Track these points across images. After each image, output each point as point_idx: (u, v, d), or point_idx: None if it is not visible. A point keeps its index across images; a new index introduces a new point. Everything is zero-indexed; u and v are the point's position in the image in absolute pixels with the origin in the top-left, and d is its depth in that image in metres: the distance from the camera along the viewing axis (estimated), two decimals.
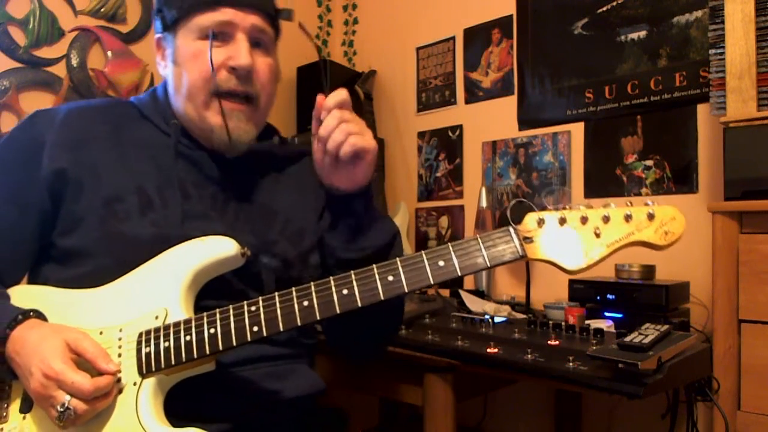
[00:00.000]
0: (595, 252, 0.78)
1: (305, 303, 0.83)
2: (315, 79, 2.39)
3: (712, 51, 1.44)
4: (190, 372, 0.86)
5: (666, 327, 1.21)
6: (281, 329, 0.83)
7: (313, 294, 0.83)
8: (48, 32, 1.89)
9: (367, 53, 2.67)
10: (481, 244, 0.81)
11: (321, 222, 1.04)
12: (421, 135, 2.45)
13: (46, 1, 1.89)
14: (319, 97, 0.92)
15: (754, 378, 1.30)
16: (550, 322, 1.43)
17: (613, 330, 1.39)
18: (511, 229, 0.81)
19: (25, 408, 0.87)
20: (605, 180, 1.90)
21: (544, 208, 0.82)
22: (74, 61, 1.95)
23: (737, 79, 1.37)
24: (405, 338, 1.37)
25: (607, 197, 1.88)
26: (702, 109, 1.71)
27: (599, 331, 1.33)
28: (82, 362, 0.82)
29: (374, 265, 0.83)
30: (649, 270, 1.59)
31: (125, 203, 0.95)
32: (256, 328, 0.83)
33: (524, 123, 2.11)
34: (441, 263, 0.81)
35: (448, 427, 1.31)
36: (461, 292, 1.82)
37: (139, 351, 0.85)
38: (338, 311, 0.82)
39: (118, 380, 0.84)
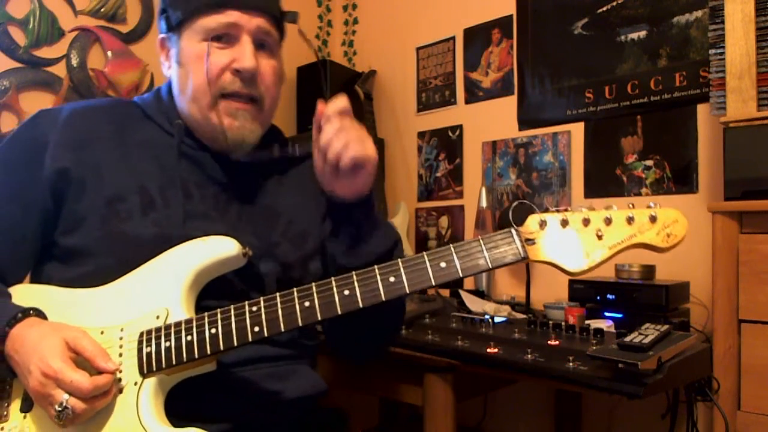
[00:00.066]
0: (597, 254, 0.78)
1: (306, 303, 0.83)
2: (315, 79, 2.39)
3: (712, 51, 1.44)
4: (192, 372, 0.86)
5: (666, 327, 1.21)
6: (282, 330, 0.83)
7: (315, 294, 0.83)
8: (48, 32, 1.89)
9: (367, 53, 2.67)
10: (482, 245, 0.81)
11: (324, 225, 1.04)
12: (421, 135, 2.45)
13: (46, 1, 1.89)
14: (320, 104, 0.91)
15: (754, 378, 1.30)
16: (550, 322, 1.43)
17: (613, 330, 1.39)
18: (513, 231, 0.81)
19: (26, 407, 0.87)
20: (605, 180, 1.90)
21: (546, 210, 0.82)
22: (74, 61, 1.95)
23: (737, 79, 1.37)
24: (405, 338, 1.37)
25: (607, 197, 1.89)
26: (702, 109, 1.71)
27: (599, 331, 1.33)
28: (81, 361, 0.82)
29: (375, 266, 0.83)
30: (649, 270, 1.59)
31: (127, 203, 0.95)
32: (257, 329, 0.83)
33: (524, 123, 2.11)
34: (443, 264, 0.81)
35: (448, 427, 1.31)
36: (461, 292, 1.82)
37: (140, 351, 0.85)
38: (339, 312, 0.82)
39: (119, 380, 0.84)
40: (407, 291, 0.81)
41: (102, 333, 0.87)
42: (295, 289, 0.84)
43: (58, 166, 0.95)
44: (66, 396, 0.78)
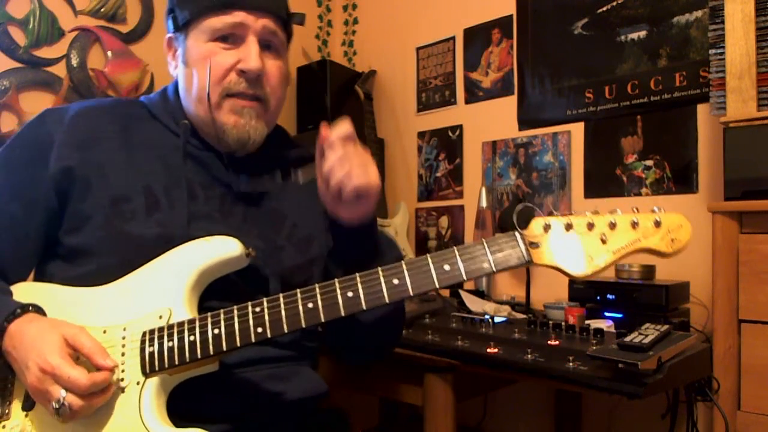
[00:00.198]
0: (601, 258, 0.78)
1: (310, 305, 0.82)
2: (315, 79, 2.39)
3: (712, 51, 1.44)
4: (194, 372, 0.86)
5: (666, 327, 1.21)
6: (285, 331, 0.82)
7: (318, 296, 0.83)
8: (48, 32, 1.89)
9: (367, 53, 2.67)
10: (486, 248, 0.81)
11: (328, 234, 1.04)
12: (421, 135, 2.45)
13: (46, 1, 1.89)
14: (323, 129, 0.90)
15: (754, 378, 1.30)
16: (550, 322, 1.43)
17: (613, 330, 1.39)
18: (517, 234, 0.81)
19: (28, 406, 0.87)
20: (605, 180, 1.90)
21: (550, 214, 0.81)
22: (74, 61, 1.95)
23: (737, 79, 1.37)
24: (405, 338, 1.37)
25: (607, 197, 1.89)
26: (702, 109, 1.71)
27: (599, 331, 1.33)
28: (83, 361, 0.82)
29: (379, 268, 0.83)
30: (649, 270, 1.59)
31: (132, 203, 0.95)
32: (260, 330, 0.83)
33: (524, 123, 2.11)
34: (446, 267, 0.81)
35: (448, 427, 1.31)
36: (461, 292, 1.82)
37: (142, 350, 0.85)
38: (343, 314, 0.82)
39: (121, 379, 0.84)
40: (411, 293, 0.81)
41: (104, 332, 0.87)
42: (298, 290, 0.84)
43: (63, 165, 0.95)
44: (63, 393, 0.78)
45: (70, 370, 0.78)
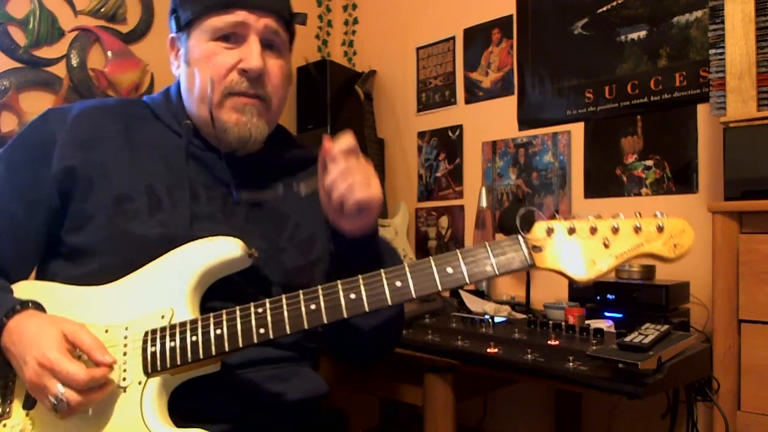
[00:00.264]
0: (604, 263, 0.78)
1: (312, 306, 0.82)
2: (314, 79, 2.39)
3: (712, 51, 1.44)
4: (195, 372, 0.86)
5: (666, 327, 1.21)
6: (288, 332, 0.82)
7: (321, 297, 0.83)
8: (48, 32, 1.89)
9: (367, 53, 2.67)
10: (489, 251, 0.81)
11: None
12: (421, 135, 2.45)
13: (46, 1, 1.89)
14: (325, 141, 0.90)
15: (754, 378, 1.30)
16: (550, 322, 1.43)
17: (613, 330, 1.39)
18: (520, 238, 0.81)
19: (29, 405, 0.87)
20: (605, 180, 1.90)
21: (553, 217, 0.81)
22: (74, 61, 1.95)
23: (737, 79, 1.37)
24: (405, 338, 1.37)
25: (607, 197, 1.89)
26: (702, 109, 1.71)
27: (599, 331, 1.33)
28: (85, 360, 0.82)
29: (382, 270, 0.83)
30: (649, 270, 1.59)
31: (135, 202, 0.95)
32: (262, 330, 0.83)
33: (524, 123, 2.11)
34: (449, 270, 0.81)
35: (448, 427, 1.31)
36: (461, 292, 1.82)
37: (144, 350, 0.85)
38: (345, 315, 0.82)
39: (123, 379, 0.84)
40: (414, 296, 0.81)
41: (106, 331, 0.87)
42: (300, 291, 0.84)
43: (66, 164, 0.95)
44: (61, 388, 0.78)
45: (68, 365, 0.78)
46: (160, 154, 1.01)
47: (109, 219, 0.94)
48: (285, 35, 1.04)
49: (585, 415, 1.92)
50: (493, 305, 1.69)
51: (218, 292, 0.92)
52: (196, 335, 0.84)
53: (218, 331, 0.83)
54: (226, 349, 0.83)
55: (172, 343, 0.84)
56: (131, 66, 2.06)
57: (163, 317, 0.87)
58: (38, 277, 1.01)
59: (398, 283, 0.82)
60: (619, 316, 1.53)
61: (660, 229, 0.77)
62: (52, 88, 1.90)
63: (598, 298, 1.59)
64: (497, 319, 1.56)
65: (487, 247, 0.81)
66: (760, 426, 1.28)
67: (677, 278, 1.61)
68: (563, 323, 1.41)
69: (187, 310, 0.87)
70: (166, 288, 0.89)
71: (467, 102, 2.30)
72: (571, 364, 1.14)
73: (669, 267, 1.62)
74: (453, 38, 2.34)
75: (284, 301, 0.84)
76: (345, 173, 0.89)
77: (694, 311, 1.61)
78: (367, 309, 0.82)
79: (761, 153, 1.33)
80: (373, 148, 2.30)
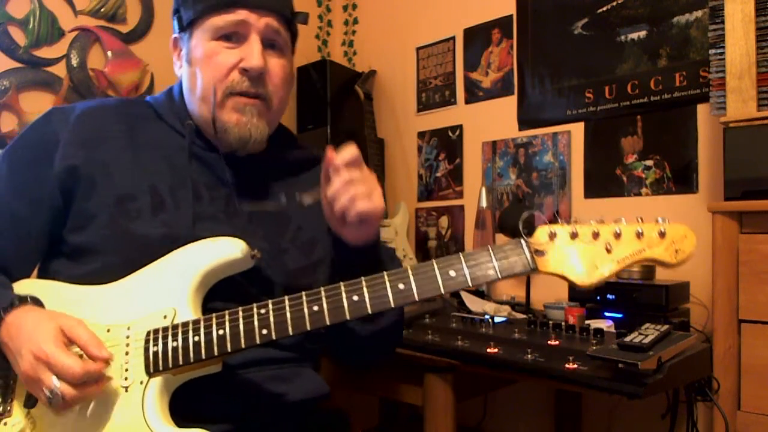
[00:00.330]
0: (606, 267, 0.78)
1: (315, 308, 0.83)
2: (315, 79, 2.39)
3: (712, 51, 1.44)
4: (197, 372, 0.86)
5: (666, 327, 1.21)
6: (290, 333, 0.82)
7: (323, 299, 0.83)
8: (48, 32, 1.89)
9: (367, 53, 2.67)
10: (492, 255, 0.81)
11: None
12: (421, 135, 2.45)
13: (46, 1, 1.89)
14: (329, 152, 0.90)
15: (754, 378, 1.30)
16: (550, 322, 1.43)
17: (613, 330, 1.39)
18: (523, 242, 0.81)
19: (30, 403, 0.87)
20: (605, 180, 1.90)
21: (553, 220, 0.82)
22: (74, 61, 1.95)
23: (737, 79, 1.37)
24: (405, 338, 1.37)
25: (607, 197, 1.89)
26: (702, 109, 1.71)
27: (599, 331, 1.33)
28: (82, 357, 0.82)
29: (385, 273, 0.83)
30: (649, 270, 1.59)
31: (138, 202, 0.95)
32: (265, 331, 0.83)
33: (524, 123, 2.11)
34: (452, 273, 0.81)
35: (448, 427, 1.31)
36: (461, 292, 1.82)
37: (146, 350, 0.85)
38: (348, 317, 0.82)
39: (125, 378, 0.84)
40: (416, 298, 0.81)
41: (108, 331, 0.87)
42: (303, 293, 0.84)
43: (68, 163, 0.95)
44: (56, 381, 0.77)
45: (64, 358, 0.78)
46: (163, 154, 1.01)
47: (111, 218, 0.94)
48: (286, 35, 1.04)
49: (585, 415, 1.92)
50: (493, 305, 1.69)
51: (220, 293, 0.92)
52: (199, 335, 0.84)
53: (221, 332, 0.83)
54: (229, 349, 0.83)
55: (175, 343, 0.84)
56: (131, 66, 2.06)
57: (165, 317, 0.87)
58: (40, 276, 1.02)
59: (401, 286, 0.82)
60: (619, 316, 1.53)
61: (662, 234, 0.77)
62: (52, 88, 1.90)
63: (598, 298, 1.60)
64: (497, 319, 1.56)
65: (490, 250, 0.81)
66: (760, 426, 1.28)
67: (677, 278, 1.61)
68: (563, 323, 1.41)
69: (189, 311, 0.87)
70: (169, 288, 0.89)
71: (467, 102, 2.30)
72: (571, 364, 1.14)
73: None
74: (453, 38, 2.34)
75: (287, 302, 0.84)
76: (347, 185, 0.89)
77: (694, 311, 1.61)
78: (369, 311, 0.82)
79: (761, 153, 1.33)
80: (373, 148, 2.30)
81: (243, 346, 0.83)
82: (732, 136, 1.38)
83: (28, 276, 1.00)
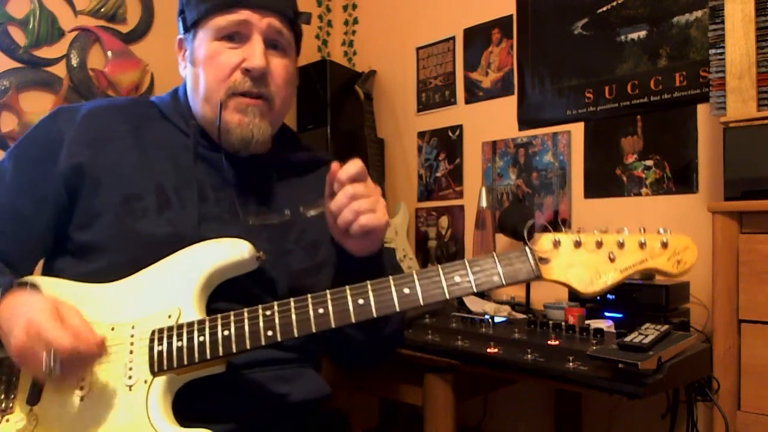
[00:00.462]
0: (609, 276, 0.80)
1: (320, 310, 0.83)
2: (315, 79, 2.39)
3: (712, 51, 1.44)
4: (201, 372, 0.86)
5: (666, 327, 1.21)
6: (296, 335, 0.83)
7: (329, 302, 0.83)
8: (48, 32, 1.89)
9: (367, 53, 2.67)
10: (497, 262, 0.82)
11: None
12: (421, 135, 2.45)
13: (46, 1, 1.89)
14: (334, 166, 0.91)
15: (754, 378, 1.30)
16: (550, 322, 1.43)
17: (613, 330, 1.39)
18: (528, 249, 0.82)
19: (33, 400, 0.87)
20: (605, 180, 1.90)
21: (560, 230, 0.83)
22: (74, 61, 1.95)
23: (737, 79, 1.37)
24: (405, 338, 1.37)
25: (607, 197, 1.89)
26: (702, 109, 1.71)
27: (599, 331, 1.33)
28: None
29: (390, 277, 0.84)
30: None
31: (143, 201, 0.96)
32: (270, 333, 0.83)
33: (524, 123, 2.11)
34: (457, 279, 0.82)
35: (448, 427, 1.31)
36: None
37: (151, 349, 0.85)
38: (353, 320, 0.82)
39: (129, 377, 0.84)
40: (421, 303, 0.82)
41: (112, 329, 0.87)
42: (309, 295, 0.84)
43: (73, 162, 0.96)
44: (53, 350, 0.76)
45: (56, 330, 0.77)
46: (169, 154, 1.01)
47: (117, 217, 0.94)
48: (289, 35, 1.04)
49: (585, 415, 1.92)
50: (493, 305, 1.69)
51: (224, 293, 0.92)
52: (204, 336, 0.84)
53: (226, 333, 0.84)
54: (234, 350, 0.83)
55: (179, 343, 0.84)
56: (131, 66, 2.06)
57: (170, 317, 0.87)
58: (44, 274, 1.02)
59: (406, 290, 0.82)
60: (619, 316, 1.53)
61: (664, 245, 0.79)
62: (52, 88, 1.90)
63: (598, 298, 1.59)
64: (497, 319, 1.56)
65: (495, 257, 0.82)
66: (760, 426, 1.28)
67: (677, 278, 1.61)
68: (563, 323, 1.41)
69: (194, 311, 0.88)
70: (174, 288, 0.89)
71: (467, 102, 2.30)
72: (571, 364, 1.14)
73: None
74: (453, 38, 2.34)
75: (292, 304, 0.84)
76: (351, 199, 0.90)
77: (694, 311, 1.61)
78: (375, 314, 0.82)
79: (761, 153, 1.33)
80: (373, 148, 2.30)
81: (248, 347, 0.83)
82: (732, 136, 1.38)
83: (30, 273, 1.00)
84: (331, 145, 2.32)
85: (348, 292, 0.84)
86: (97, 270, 0.93)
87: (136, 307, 0.89)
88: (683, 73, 1.75)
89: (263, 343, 0.83)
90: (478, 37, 2.26)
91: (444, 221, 2.36)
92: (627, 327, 1.28)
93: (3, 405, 0.88)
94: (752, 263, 1.31)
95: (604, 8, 1.91)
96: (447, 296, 0.82)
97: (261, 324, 0.83)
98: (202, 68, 1.01)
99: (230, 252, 0.90)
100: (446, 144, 2.36)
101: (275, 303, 0.84)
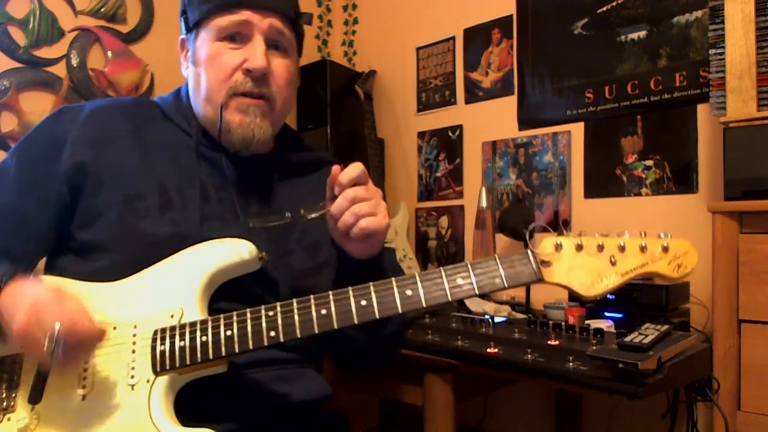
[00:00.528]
0: (610, 280, 0.81)
1: (323, 311, 0.83)
2: (315, 79, 2.39)
3: (712, 51, 1.44)
4: (203, 372, 0.86)
5: (666, 327, 1.21)
6: (298, 336, 0.83)
7: (332, 303, 0.84)
8: (48, 32, 1.89)
9: (367, 53, 2.67)
10: (499, 264, 0.83)
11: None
12: (421, 135, 2.45)
13: (46, 1, 1.89)
14: (335, 168, 0.92)
15: (754, 378, 1.30)
16: (550, 322, 1.43)
17: (613, 330, 1.39)
18: (530, 252, 0.83)
19: (34, 398, 0.87)
20: (605, 180, 1.90)
21: (562, 233, 0.84)
22: (74, 61, 1.95)
23: (737, 79, 1.37)
24: (405, 338, 1.37)
25: (607, 197, 1.89)
26: (702, 109, 1.71)
27: (599, 331, 1.33)
28: None
29: (393, 279, 0.84)
30: None
31: (146, 201, 0.96)
32: (273, 333, 0.83)
33: (524, 123, 2.11)
34: (459, 281, 0.83)
35: (448, 427, 1.31)
36: None
37: (153, 348, 0.85)
38: (356, 321, 0.83)
39: (132, 376, 0.84)
40: (424, 305, 0.83)
41: (115, 329, 0.87)
42: (312, 296, 0.85)
43: (76, 160, 0.96)
44: (58, 325, 0.76)
45: (55, 312, 0.78)
46: (171, 154, 1.02)
47: (119, 216, 0.94)
48: (291, 35, 1.05)
49: (585, 415, 1.92)
50: (493, 305, 1.69)
51: (225, 293, 0.93)
52: (207, 336, 0.84)
53: (228, 333, 0.84)
54: (236, 350, 0.83)
55: (182, 343, 0.84)
56: (131, 66, 2.06)
57: (172, 316, 0.87)
58: (47, 272, 1.02)
59: (408, 292, 0.83)
60: (619, 316, 1.53)
61: (665, 249, 0.80)
62: (52, 88, 1.90)
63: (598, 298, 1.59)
64: (497, 319, 1.56)
65: (497, 260, 0.83)
66: (760, 426, 1.28)
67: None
68: (563, 323, 1.41)
69: (196, 311, 0.88)
70: (176, 288, 0.89)
71: (467, 102, 2.30)
72: (571, 364, 1.14)
73: None
74: (453, 38, 2.34)
75: (295, 305, 0.84)
76: (352, 202, 0.90)
77: (694, 311, 1.61)
78: (377, 316, 0.83)
79: (761, 153, 1.33)
80: (373, 148, 2.30)
81: (251, 347, 0.83)
82: (732, 136, 1.38)
83: (32, 272, 1.00)
84: (331, 146, 2.32)
85: (351, 293, 0.84)
86: (100, 269, 0.93)
87: (138, 306, 0.89)
88: (683, 73, 1.75)
89: (266, 343, 0.83)
90: (478, 37, 2.26)
91: (444, 221, 2.36)
92: (627, 327, 1.28)
93: (5, 403, 0.88)
94: (752, 263, 1.30)
95: (604, 8, 1.91)
96: (449, 298, 0.82)
97: (264, 324, 0.84)
98: (203, 68, 1.01)
99: (233, 252, 0.90)
100: (446, 144, 2.36)
101: (278, 304, 0.85)
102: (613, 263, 0.80)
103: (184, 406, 0.86)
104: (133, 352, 0.86)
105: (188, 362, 0.83)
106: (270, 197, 1.07)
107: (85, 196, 0.97)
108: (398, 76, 2.54)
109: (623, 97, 1.86)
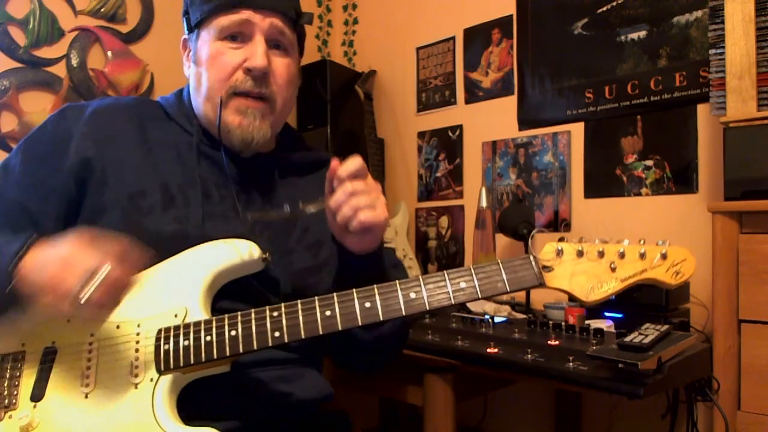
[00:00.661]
0: (610, 285, 0.82)
1: (327, 313, 0.84)
2: (315, 79, 2.39)
3: (712, 51, 1.44)
4: (206, 372, 0.86)
5: (666, 327, 1.21)
6: (303, 336, 0.83)
7: (336, 304, 0.84)
8: (48, 32, 1.89)
9: (367, 53, 2.67)
10: (502, 269, 0.84)
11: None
12: (421, 135, 2.45)
13: (46, 1, 1.89)
14: (334, 162, 0.91)
15: (754, 378, 1.30)
16: (550, 322, 1.43)
17: (613, 330, 1.39)
18: (532, 258, 0.84)
19: (37, 395, 0.86)
20: (605, 180, 1.90)
21: (563, 239, 0.85)
22: (74, 61, 1.95)
23: (737, 79, 1.37)
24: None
25: (607, 197, 1.89)
26: (702, 109, 1.71)
27: (599, 331, 1.33)
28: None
29: (397, 282, 0.84)
30: None
31: (149, 198, 0.96)
32: (277, 334, 0.83)
33: (524, 123, 2.11)
34: (462, 284, 0.83)
35: (448, 427, 1.31)
36: None
37: (157, 348, 0.85)
38: (360, 323, 0.83)
39: (135, 375, 0.84)
40: (427, 308, 0.83)
41: (117, 327, 0.87)
42: (316, 297, 0.85)
43: (82, 156, 0.96)
44: (106, 266, 0.76)
45: (97, 254, 0.78)
46: (173, 153, 1.02)
47: (123, 213, 0.95)
48: (292, 35, 1.05)
49: (585, 415, 1.92)
50: (493, 305, 1.69)
51: (228, 292, 0.93)
52: (211, 335, 0.84)
53: (233, 333, 0.84)
54: (241, 350, 0.84)
55: (186, 342, 0.84)
56: (131, 66, 2.06)
57: (176, 316, 0.87)
58: None
59: (412, 295, 0.84)
60: (619, 316, 1.53)
61: (664, 256, 0.81)
62: (52, 88, 1.90)
63: None
64: (497, 319, 1.56)
65: (500, 265, 0.84)
66: (760, 426, 1.28)
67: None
68: (563, 323, 1.41)
69: (200, 310, 0.88)
70: (180, 287, 0.89)
71: (467, 102, 2.30)
72: (571, 364, 1.14)
73: None
74: (453, 38, 2.34)
75: (299, 305, 0.84)
76: (350, 196, 0.90)
77: (694, 311, 1.61)
78: (381, 318, 0.83)
79: (761, 153, 1.33)
80: (373, 148, 2.30)
81: (255, 347, 0.84)
82: (732, 136, 1.38)
83: None
84: (331, 146, 2.32)
85: (355, 295, 0.84)
86: None
87: (142, 305, 0.89)
88: (683, 73, 1.75)
89: (270, 344, 0.84)
90: (478, 37, 2.26)
91: (444, 221, 2.36)
92: (627, 327, 1.28)
93: (6, 401, 0.87)
94: (752, 263, 1.31)
95: (604, 8, 1.91)
96: (452, 301, 0.83)
97: (268, 325, 0.84)
98: (204, 68, 1.01)
99: (237, 253, 0.91)
100: (446, 144, 2.36)
101: (282, 304, 0.85)
102: (613, 269, 0.82)
103: (186, 405, 0.86)
104: (137, 350, 0.86)
105: (193, 362, 0.83)
106: (271, 196, 1.07)
107: (90, 192, 0.97)
108: (398, 76, 2.54)
109: (623, 97, 1.86)
